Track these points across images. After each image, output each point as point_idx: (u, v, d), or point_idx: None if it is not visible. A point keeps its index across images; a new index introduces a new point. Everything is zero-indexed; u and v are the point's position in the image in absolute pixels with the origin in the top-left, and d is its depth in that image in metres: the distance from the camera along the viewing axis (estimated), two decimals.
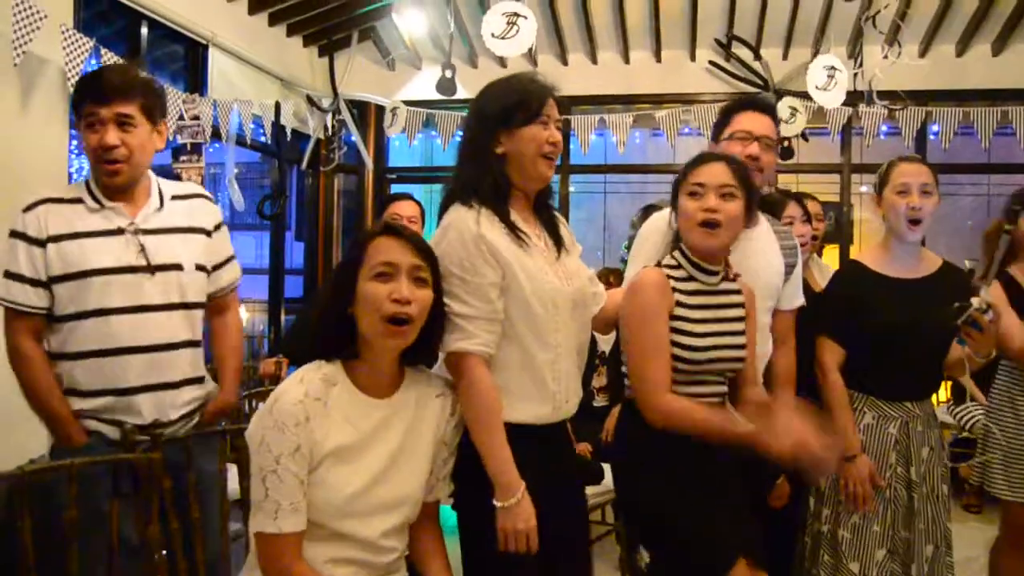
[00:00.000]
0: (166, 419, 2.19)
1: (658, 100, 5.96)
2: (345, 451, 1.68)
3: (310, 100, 5.74)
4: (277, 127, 5.27)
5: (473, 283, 1.87)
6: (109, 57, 3.66)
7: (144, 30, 4.24)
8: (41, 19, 3.27)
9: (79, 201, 2.19)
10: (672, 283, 2.14)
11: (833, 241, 5.93)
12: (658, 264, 2.21)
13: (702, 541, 2.11)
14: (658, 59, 6.01)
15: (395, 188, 6.23)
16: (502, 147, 1.99)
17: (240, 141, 5.07)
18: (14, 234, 2.15)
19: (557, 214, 2.16)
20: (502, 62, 5.90)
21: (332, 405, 1.68)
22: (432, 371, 1.93)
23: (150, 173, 2.28)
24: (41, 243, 2.14)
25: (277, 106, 5.23)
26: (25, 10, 3.20)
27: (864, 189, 6.46)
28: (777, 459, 2.02)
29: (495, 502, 1.85)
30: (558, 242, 2.08)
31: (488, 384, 1.89)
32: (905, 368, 2.58)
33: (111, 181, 2.18)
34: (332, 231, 6.36)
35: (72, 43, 3.47)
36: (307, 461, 1.64)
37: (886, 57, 5.17)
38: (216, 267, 2.37)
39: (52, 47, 3.37)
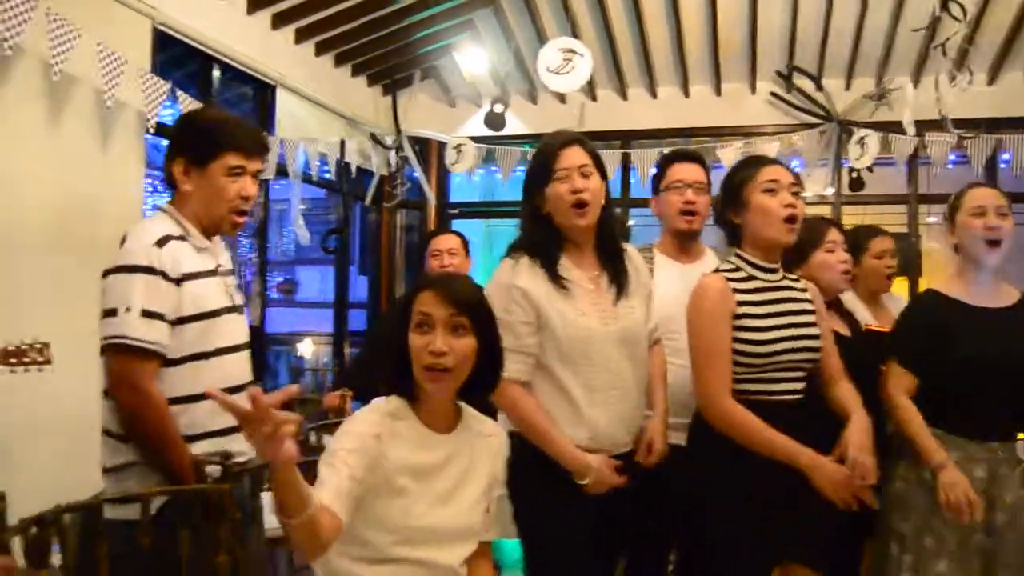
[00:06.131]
0: (243, 458, 2.18)
1: (718, 133, 5.94)
2: (411, 475, 1.75)
3: (374, 138, 5.86)
4: (342, 164, 5.40)
5: (505, 321, 2.07)
6: (184, 99, 3.80)
7: (216, 72, 4.40)
8: (123, 64, 3.41)
9: (185, 238, 2.15)
10: (732, 285, 2.24)
11: (902, 274, 5.80)
12: (717, 270, 2.33)
13: (736, 548, 2.16)
14: (718, 92, 6.00)
15: (456, 223, 6.29)
16: (542, 208, 2.27)
17: (306, 178, 5.20)
18: (149, 270, 2.03)
19: (633, 255, 2.30)
20: (561, 98, 5.96)
21: (399, 437, 1.77)
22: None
23: None
24: (176, 281, 2.07)
25: (342, 144, 5.35)
26: (108, 56, 3.34)
27: (931, 220, 6.32)
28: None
29: (578, 481, 2.16)
30: (620, 283, 2.28)
31: (524, 400, 2.20)
32: (994, 404, 2.44)
33: (234, 230, 2.24)
34: (395, 265, 6.45)
35: (150, 86, 3.62)
36: (371, 471, 1.70)
37: (954, 85, 5.08)
38: None
39: (130, 90, 3.51)
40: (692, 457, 2.34)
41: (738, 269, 2.31)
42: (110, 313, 2.01)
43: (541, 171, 2.27)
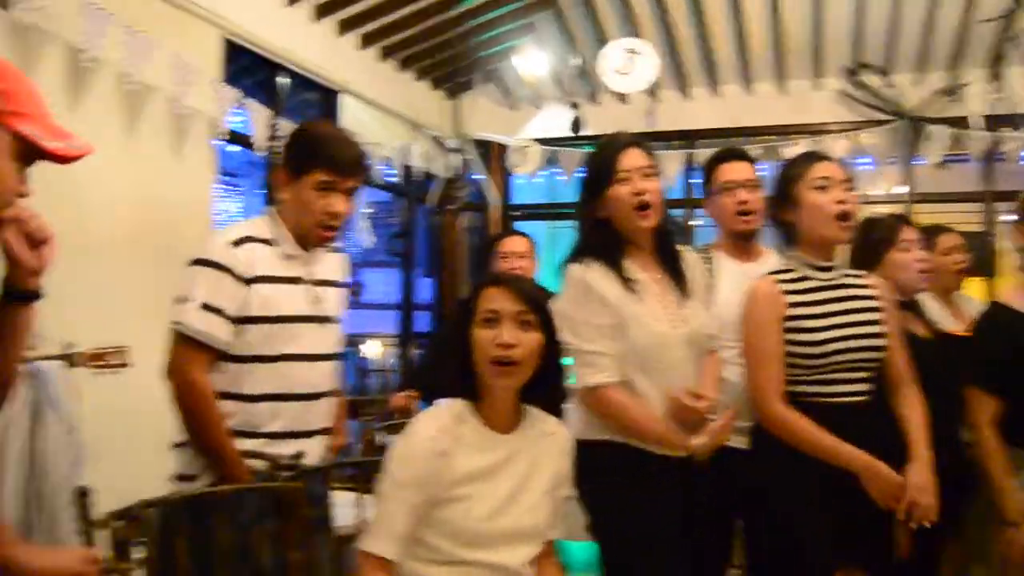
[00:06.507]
0: (313, 463, 2.25)
1: (783, 132, 5.86)
2: (474, 481, 1.76)
3: (437, 141, 5.92)
4: (406, 168, 5.47)
5: (587, 325, 2.11)
6: (254, 107, 3.89)
7: (283, 80, 4.49)
8: (194, 74, 3.52)
9: (274, 243, 2.22)
10: (784, 287, 2.21)
11: (977, 273, 5.64)
12: (771, 272, 2.31)
13: (796, 551, 2.15)
14: (783, 90, 5.92)
15: (519, 225, 6.32)
16: (601, 212, 2.23)
17: (371, 182, 5.28)
18: (218, 266, 2.12)
19: (687, 255, 2.28)
20: (623, 98, 5.95)
21: (463, 439, 1.78)
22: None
23: None
24: (246, 281, 2.14)
25: (406, 148, 5.42)
26: (180, 66, 3.45)
27: (1007, 218, 6.13)
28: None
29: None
30: (681, 285, 2.25)
31: (625, 402, 2.14)
32: None
33: (322, 243, 2.27)
34: (459, 267, 6.51)
35: (220, 95, 3.72)
36: (430, 493, 1.72)
37: None
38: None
39: (202, 99, 3.61)
40: (754, 460, 2.33)
41: (791, 270, 2.28)
42: (179, 300, 2.12)
43: (601, 174, 2.24)
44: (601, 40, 5.42)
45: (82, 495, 1.69)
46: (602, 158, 2.27)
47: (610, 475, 2.12)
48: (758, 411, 2.24)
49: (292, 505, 2.03)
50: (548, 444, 1.90)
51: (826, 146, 5.43)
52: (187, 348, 2.11)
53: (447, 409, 1.82)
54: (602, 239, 2.24)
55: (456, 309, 1.87)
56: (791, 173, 2.31)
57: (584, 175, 2.33)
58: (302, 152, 2.22)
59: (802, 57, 5.67)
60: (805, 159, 2.33)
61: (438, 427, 1.77)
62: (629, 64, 4.59)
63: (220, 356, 2.13)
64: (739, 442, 2.37)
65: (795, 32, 5.50)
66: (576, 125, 5.24)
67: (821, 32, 5.42)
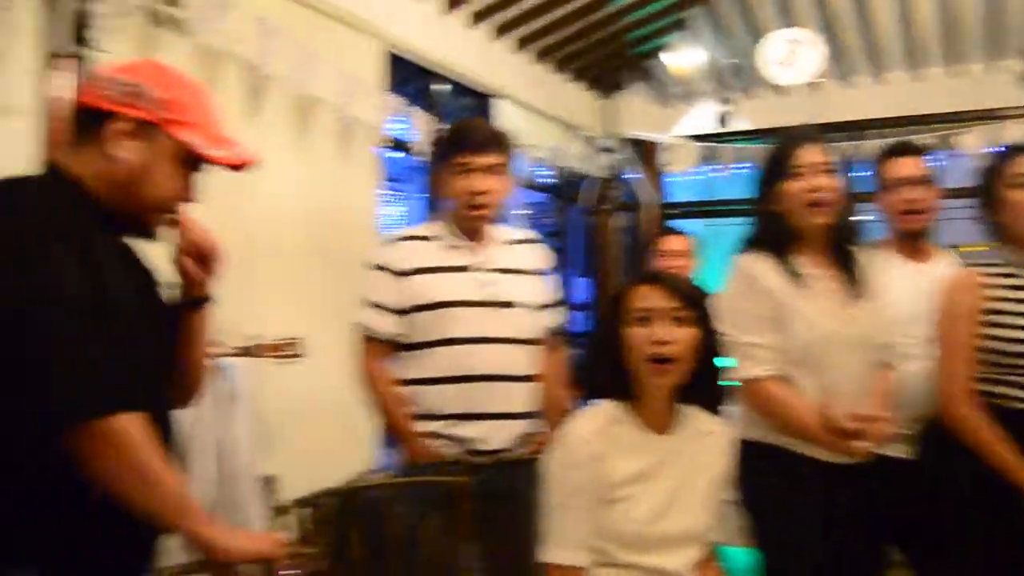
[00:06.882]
0: (499, 447, 2.32)
1: (956, 119, 5.52)
2: (632, 483, 1.75)
3: (591, 141, 5.93)
4: (560, 169, 5.50)
5: (750, 316, 2.10)
6: (415, 114, 4.03)
7: (440, 87, 4.61)
8: (358, 85, 3.68)
9: (434, 238, 2.40)
10: (987, 280, 2.12)
11: None
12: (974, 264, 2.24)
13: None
14: (954, 73, 5.58)
15: (674, 223, 6.24)
16: (777, 204, 2.20)
17: (525, 183, 5.34)
18: (378, 266, 2.38)
19: (862, 256, 2.23)
20: (780, 91, 5.76)
21: (618, 441, 1.76)
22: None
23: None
24: (402, 275, 2.35)
25: (560, 149, 5.46)
26: (345, 78, 3.61)
27: None
28: None
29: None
30: (854, 284, 2.20)
31: (785, 396, 2.09)
32: None
33: (475, 224, 2.39)
34: (614, 267, 6.49)
35: (383, 104, 3.87)
36: (594, 496, 1.72)
37: None
38: (545, 308, 2.50)
39: (365, 109, 3.76)
40: (918, 471, 2.24)
41: (997, 264, 2.19)
42: (360, 303, 2.38)
43: (776, 168, 2.22)
44: (757, 32, 5.28)
45: (268, 482, 1.80)
46: (778, 152, 2.25)
47: (768, 477, 2.07)
48: (942, 406, 2.16)
49: (459, 499, 2.09)
50: (708, 443, 1.86)
51: (1005, 133, 5.09)
52: (364, 342, 2.37)
53: (601, 411, 1.81)
54: (774, 232, 2.22)
55: (606, 309, 1.91)
56: (988, 170, 2.24)
57: (760, 169, 2.31)
58: (440, 148, 2.46)
59: (976, 38, 5.33)
60: (1003, 155, 2.23)
61: (593, 430, 1.76)
62: (791, 55, 4.44)
63: (397, 347, 2.34)
64: (899, 450, 2.27)
65: (968, 11, 5.18)
66: (724, 120, 5.14)
67: (999, 9, 5.07)
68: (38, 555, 1.29)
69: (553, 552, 1.72)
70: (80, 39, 2.46)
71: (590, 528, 1.71)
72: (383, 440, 2.55)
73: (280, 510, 1.80)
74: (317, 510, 1.85)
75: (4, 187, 1.41)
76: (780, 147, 2.25)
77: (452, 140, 2.43)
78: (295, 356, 2.69)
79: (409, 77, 4.43)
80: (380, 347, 2.35)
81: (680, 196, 6.66)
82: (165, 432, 1.45)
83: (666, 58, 5.77)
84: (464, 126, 2.52)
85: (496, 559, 2.22)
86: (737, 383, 2.15)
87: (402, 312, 2.33)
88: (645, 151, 6.36)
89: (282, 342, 2.66)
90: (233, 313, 2.71)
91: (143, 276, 1.56)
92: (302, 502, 1.81)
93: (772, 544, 2.12)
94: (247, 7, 3.07)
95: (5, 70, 2.38)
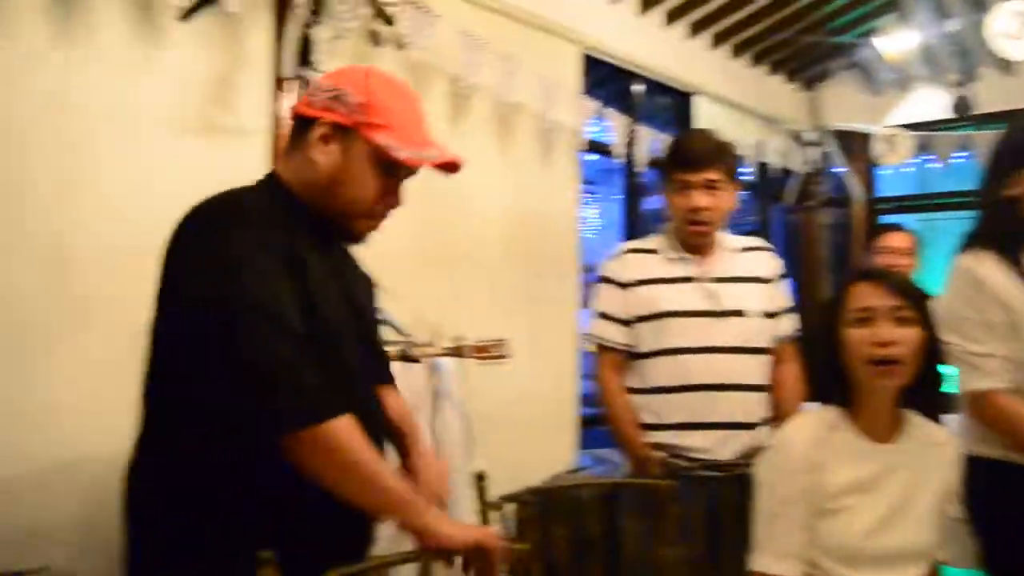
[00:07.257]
0: (725, 458, 2.30)
1: None
2: (850, 494, 1.67)
3: (794, 135, 5.72)
4: (761, 165, 5.34)
5: (976, 322, 1.93)
6: (613, 116, 4.06)
7: (638, 87, 4.60)
8: (557, 89, 3.74)
9: (658, 252, 2.45)
10: None
11: None
12: None
13: None
14: None
15: (886, 219, 5.90)
16: (1012, 190, 1.99)
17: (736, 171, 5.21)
18: (604, 279, 2.48)
19: None
20: (1008, 69, 5.29)
21: (836, 449, 1.69)
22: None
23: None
24: (627, 286, 2.42)
25: (761, 144, 5.30)
26: (545, 83, 3.68)
27: None
28: None
29: None
30: None
31: (1018, 410, 1.91)
32: None
33: (696, 240, 2.40)
34: (819, 267, 6.21)
35: (581, 107, 3.91)
36: (810, 506, 1.65)
37: None
38: (776, 315, 2.46)
39: (564, 113, 3.81)
40: None
41: None
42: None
43: (1011, 154, 2.04)
44: (978, 6, 4.89)
45: (479, 478, 1.87)
46: (1014, 137, 2.08)
47: (1002, 497, 1.93)
48: None
49: (664, 502, 2.08)
50: (935, 456, 1.75)
51: None
52: (597, 352, 2.47)
53: (817, 416, 1.74)
54: (1002, 225, 2.03)
55: (819, 310, 1.84)
56: None
57: (989, 157, 2.13)
58: (662, 164, 2.48)
59: None
60: None
61: (809, 437, 1.70)
62: (1021, 28, 4.07)
63: (630, 356, 2.40)
64: None
65: None
66: (963, 105, 4.77)
67: None
68: (275, 540, 1.34)
69: (764, 561, 1.68)
70: (305, 62, 2.65)
71: (803, 539, 1.66)
72: (597, 443, 2.61)
73: (490, 506, 1.86)
74: (522, 507, 1.89)
75: (219, 198, 1.48)
76: (1016, 131, 2.08)
77: (670, 156, 2.46)
78: (501, 357, 2.79)
79: (605, 79, 4.45)
80: (614, 356, 2.43)
81: (890, 190, 6.29)
82: (375, 429, 1.51)
83: (876, 43, 5.45)
84: (682, 141, 2.53)
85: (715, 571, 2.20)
86: (962, 394, 2.01)
87: (628, 323, 2.39)
88: (853, 143, 6.05)
89: (489, 343, 2.77)
90: (439, 314, 2.85)
91: (350, 276, 1.62)
92: (508, 499, 1.86)
93: (1004, 569, 1.96)
94: (452, 20, 3.19)
95: (240, 95, 2.60)
